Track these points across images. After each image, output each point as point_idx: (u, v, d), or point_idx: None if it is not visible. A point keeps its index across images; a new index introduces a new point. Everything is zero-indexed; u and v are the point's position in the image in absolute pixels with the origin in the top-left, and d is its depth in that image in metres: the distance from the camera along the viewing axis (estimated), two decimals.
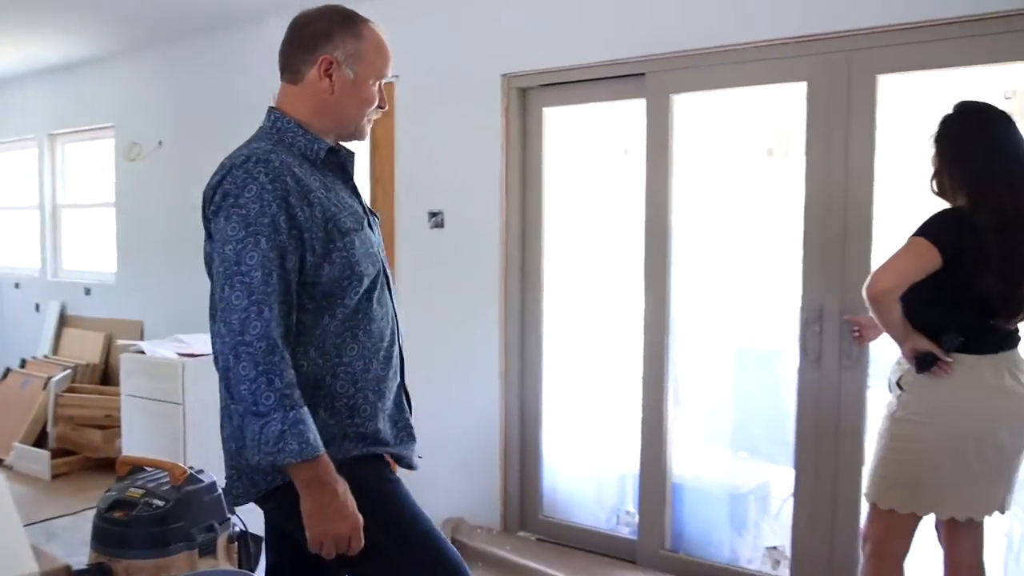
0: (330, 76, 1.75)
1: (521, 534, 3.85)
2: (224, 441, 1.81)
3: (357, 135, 1.85)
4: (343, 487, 1.63)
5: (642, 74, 3.41)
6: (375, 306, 1.80)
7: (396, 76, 4.09)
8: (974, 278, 2.22)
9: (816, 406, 3.09)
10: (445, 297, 4.00)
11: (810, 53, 3.02)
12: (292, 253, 1.62)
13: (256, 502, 1.77)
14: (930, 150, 2.38)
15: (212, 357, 1.67)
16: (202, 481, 2.62)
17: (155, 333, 4.97)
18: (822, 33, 2.96)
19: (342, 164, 1.82)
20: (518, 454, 3.89)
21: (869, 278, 2.33)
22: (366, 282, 1.76)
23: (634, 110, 3.44)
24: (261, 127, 1.77)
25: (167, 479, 2.60)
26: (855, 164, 2.95)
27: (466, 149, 3.89)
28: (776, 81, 3.17)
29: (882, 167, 2.90)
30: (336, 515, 1.62)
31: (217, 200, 1.63)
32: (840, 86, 2.97)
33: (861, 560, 2.59)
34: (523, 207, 3.81)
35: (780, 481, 3.38)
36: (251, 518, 2.74)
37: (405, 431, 1.90)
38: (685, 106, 3.36)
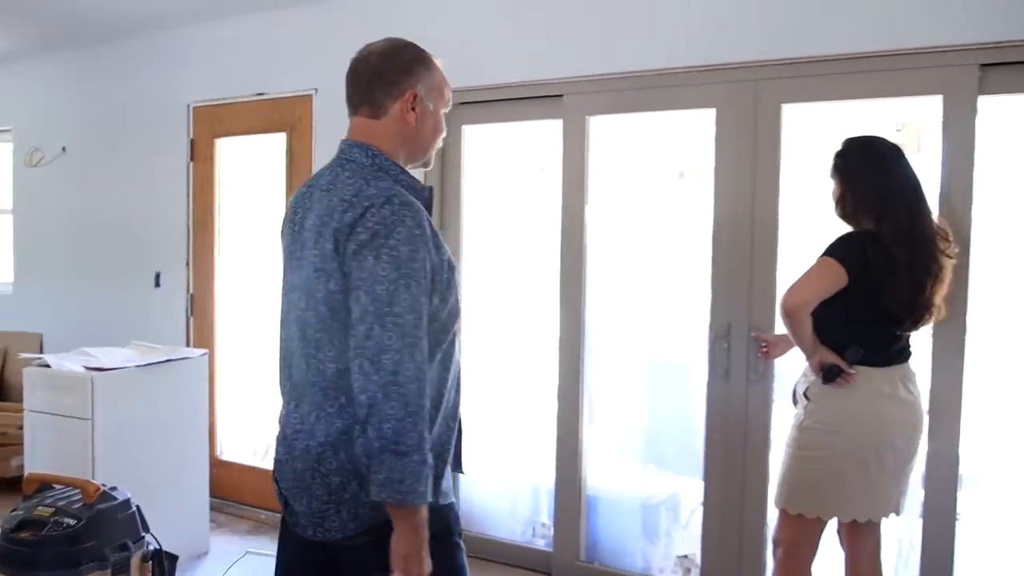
0: (414, 109, 1.77)
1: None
2: (323, 475, 1.69)
3: (428, 163, 1.89)
4: (427, 534, 1.64)
5: (560, 96, 3.51)
6: (456, 341, 1.82)
7: (315, 89, 4.09)
8: (885, 289, 2.39)
9: (724, 419, 3.23)
10: None
11: (719, 81, 3.17)
12: (428, 296, 1.66)
13: (346, 537, 1.71)
14: (830, 182, 2.57)
15: (354, 392, 1.62)
16: (116, 498, 2.56)
17: (56, 346, 4.79)
18: (731, 63, 3.12)
19: (430, 201, 1.81)
20: None
21: (784, 293, 2.49)
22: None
23: (552, 130, 3.53)
24: (357, 161, 1.73)
25: (78, 497, 2.53)
26: (761, 187, 3.11)
27: None
28: (687, 107, 3.32)
29: (787, 191, 3.06)
30: (422, 560, 1.63)
31: (363, 238, 1.61)
32: (747, 114, 3.13)
33: (772, 565, 2.71)
34: (442, 222, 3.85)
35: (689, 492, 3.51)
36: (165, 537, 2.70)
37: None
38: (601, 128, 3.47)
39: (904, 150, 2.88)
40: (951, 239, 2.53)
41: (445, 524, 1.77)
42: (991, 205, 2.85)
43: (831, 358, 2.47)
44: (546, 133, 3.61)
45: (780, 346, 2.81)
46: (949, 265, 2.50)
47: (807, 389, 2.56)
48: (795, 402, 2.64)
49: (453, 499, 1.82)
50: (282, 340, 1.83)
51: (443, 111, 1.87)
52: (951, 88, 2.80)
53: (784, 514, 2.58)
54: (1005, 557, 3.05)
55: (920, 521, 2.96)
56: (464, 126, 3.81)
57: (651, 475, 3.66)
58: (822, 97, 3.03)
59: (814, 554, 2.59)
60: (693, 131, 3.33)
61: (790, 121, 3.09)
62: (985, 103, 2.78)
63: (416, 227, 1.63)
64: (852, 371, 2.46)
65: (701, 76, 3.19)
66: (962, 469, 2.88)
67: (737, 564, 3.24)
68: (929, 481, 2.89)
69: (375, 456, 1.57)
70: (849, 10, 2.90)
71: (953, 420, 2.85)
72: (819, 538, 2.57)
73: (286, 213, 1.85)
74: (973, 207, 2.79)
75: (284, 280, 1.82)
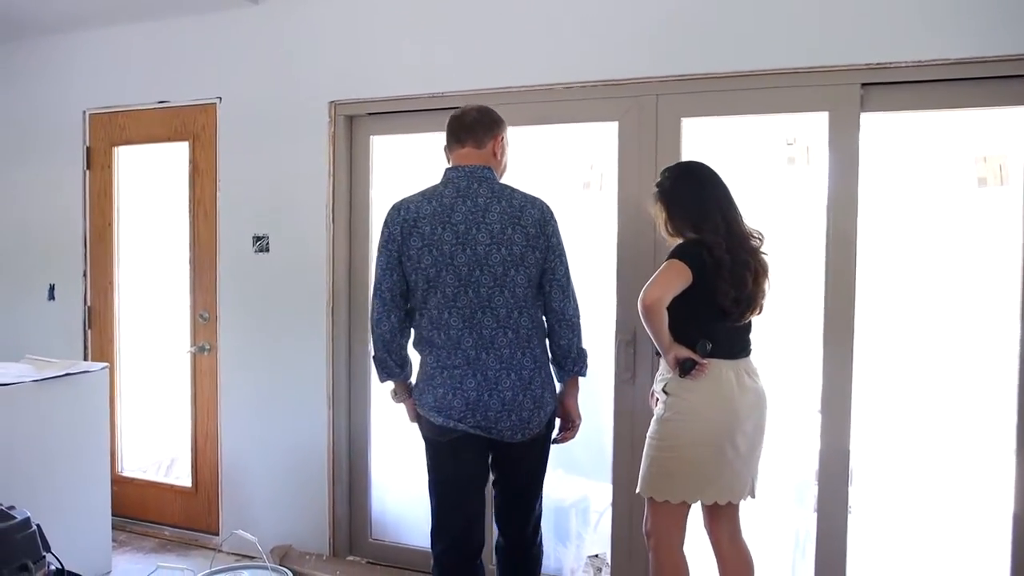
0: (500, 148, 2.70)
1: (351, 558, 3.86)
2: (531, 394, 2.57)
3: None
4: None
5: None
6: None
7: (219, 98, 4.03)
8: (716, 286, 2.62)
9: (631, 422, 3.33)
10: (271, 321, 3.96)
11: (620, 96, 3.28)
12: None
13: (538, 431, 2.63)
14: (653, 205, 2.82)
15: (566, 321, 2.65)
16: (14, 518, 2.48)
17: None
18: (631, 78, 3.23)
19: None
20: (347, 478, 3.90)
21: (642, 293, 2.65)
22: None
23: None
24: (491, 179, 2.63)
25: None
26: None
27: (292, 175, 3.88)
28: (590, 120, 3.41)
29: None
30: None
31: (552, 226, 2.62)
32: (648, 126, 3.24)
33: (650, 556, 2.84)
34: (350, 233, 3.85)
35: (599, 494, 3.60)
36: (67, 557, 2.63)
37: None
38: (509, 139, 3.52)
39: (794, 163, 3.06)
40: (762, 239, 2.76)
41: None
42: (874, 214, 3.03)
43: (685, 353, 2.66)
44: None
45: None
46: (766, 262, 2.74)
47: (665, 386, 2.75)
48: (654, 403, 2.82)
49: None
50: (457, 321, 2.54)
51: (509, 155, 2.78)
52: (835, 105, 2.98)
53: (651, 503, 2.76)
54: (893, 546, 3.23)
55: (815, 515, 3.12)
56: (372, 136, 3.83)
57: (561, 479, 3.73)
58: (719, 112, 3.16)
59: (683, 538, 2.78)
60: (597, 142, 3.43)
61: (692, 134, 3.21)
62: (867, 119, 2.96)
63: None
64: (705, 363, 2.66)
65: (603, 90, 3.30)
66: (852, 464, 3.06)
67: (645, 562, 3.33)
68: (822, 476, 3.05)
69: (575, 355, 2.67)
70: (743, 30, 3.04)
71: (843, 418, 3.02)
72: (684, 521, 2.76)
73: (412, 220, 2.57)
74: (858, 216, 2.97)
75: (452, 265, 2.51)
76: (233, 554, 3.85)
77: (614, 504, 3.41)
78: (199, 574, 2.97)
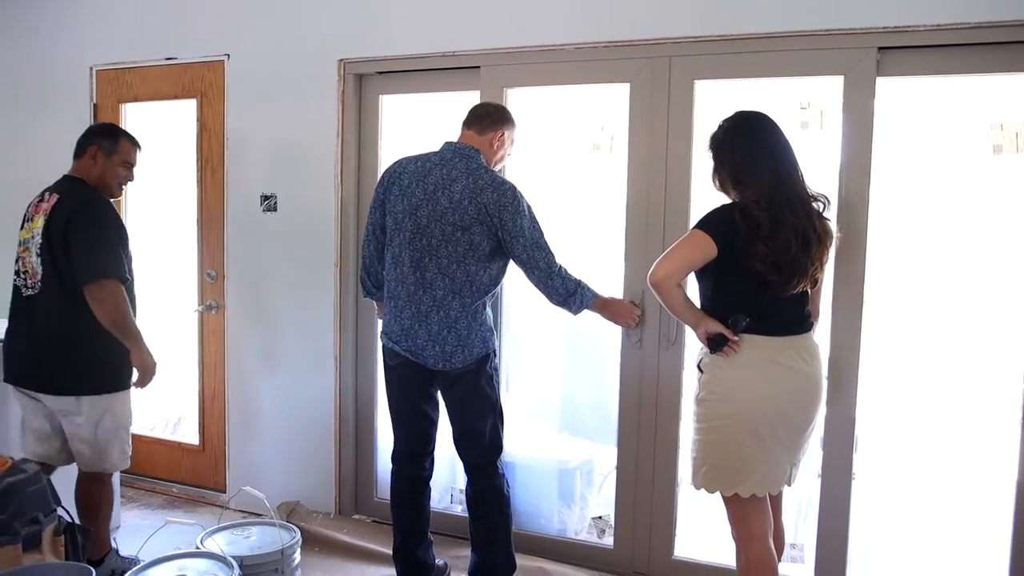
0: (499, 142, 3.09)
1: (356, 517, 3.90)
2: (456, 333, 2.98)
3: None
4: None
5: (477, 67, 3.53)
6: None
7: (227, 55, 4.00)
8: (749, 249, 2.44)
9: (638, 386, 3.34)
10: (279, 280, 3.96)
11: (633, 57, 3.24)
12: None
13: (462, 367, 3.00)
14: (708, 154, 2.64)
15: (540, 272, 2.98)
16: (25, 471, 2.50)
17: None
18: (644, 39, 3.19)
19: None
20: (353, 437, 3.92)
21: (652, 267, 2.54)
22: None
23: (473, 101, 3.54)
24: (473, 158, 2.99)
25: None
26: (674, 161, 3.21)
27: (300, 133, 3.86)
28: (602, 81, 3.37)
29: (699, 165, 3.16)
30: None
31: (509, 211, 2.91)
32: (661, 89, 3.21)
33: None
34: (359, 193, 3.84)
35: (603, 457, 3.61)
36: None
37: None
38: (519, 100, 3.50)
39: (807, 127, 3.01)
40: (826, 202, 2.59)
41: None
42: (888, 181, 3.01)
43: (716, 327, 2.52)
44: (468, 105, 3.60)
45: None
46: (828, 229, 2.55)
47: (700, 361, 2.61)
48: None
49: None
50: (408, 260, 2.99)
51: (508, 153, 3.18)
52: (851, 69, 2.94)
53: (723, 498, 2.58)
54: (895, 513, 3.25)
55: (819, 480, 3.13)
56: (382, 96, 3.80)
57: (566, 442, 3.75)
58: (732, 75, 3.13)
59: (767, 527, 2.57)
60: (608, 104, 3.40)
61: (705, 97, 3.18)
62: (883, 84, 2.93)
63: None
64: (736, 339, 2.50)
65: (615, 51, 3.26)
66: (857, 431, 3.07)
67: (649, 524, 3.37)
68: (827, 443, 3.06)
69: (563, 295, 3.03)
70: None
71: (850, 384, 3.02)
72: (761, 506, 2.55)
73: (398, 173, 3.07)
74: (871, 182, 2.95)
75: (414, 215, 2.96)
76: (240, 511, 3.88)
77: (619, 467, 3.43)
78: (208, 529, 3.00)
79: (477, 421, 3.07)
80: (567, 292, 3.00)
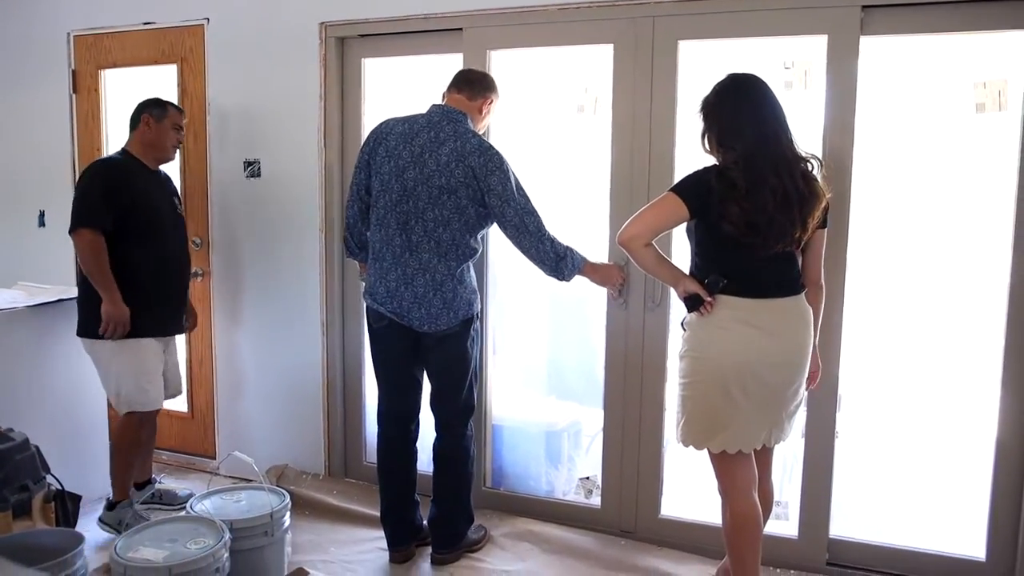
0: (487, 108, 3.12)
1: (347, 479, 3.93)
2: (441, 295, 3.00)
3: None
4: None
5: (459, 29, 3.49)
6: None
7: (206, 19, 3.95)
8: (722, 210, 2.45)
9: (624, 347, 3.36)
10: (264, 246, 3.95)
11: (617, 17, 3.22)
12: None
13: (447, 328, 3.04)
14: (698, 116, 2.63)
15: (525, 232, 2.97)
16: (13, 439, 2.50)
17: None
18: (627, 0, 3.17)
19: None
20: (341, 401, 3.94)
21: (623, 226, 2.58)
22: None
23: (456, 64, 3.51)
24: (461, 122, 3.00)
25: None
26: (658, 122, 3.20)
27: (283, 98, 3.83)
28: (585, 42, 3.35)
29: (683, 126, 3.15)
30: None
31: (497, 175, 2.92)
32: (644, 49, 3.19)
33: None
34: (343, 157, 3.81)
35: (590, 419, 3.64)
36: (65, 479, 2.66)
37: None
38: (502, 62, 3.48)
39: (791, 87, 2.99)
40: (815, 162, 2.56)
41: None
42: (872, 141, 3.01)
43: (693, 287, 2.57)
44: (451, 67, 3.57)
45: None
46: (819, 190, 2.52)
47: (684, 319, 2.67)
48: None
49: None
50: (394, 222, 3.00)
51: (491, 117, 3.20)
52: (834, 28, 2.93)
53: (709, 453, 2.63)
54: (878, 471, 3.30)
55: (802, 440, 3.17)
56: (364, 59, 3.76)
57: (553, 405, 3.78)
58: (716, 34, 3.11)
59: (747, 480, 2.61)
60: (592, 66, 3.37)
61: (689, 58, 3.16)
62: (867, 43, 2.92)
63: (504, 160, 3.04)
64: (711, 299, 2.54)
65: (599, 11, 3.24)
66: (840, 390, 3.10)
67: (636, 483, 3.41)
68: (810, 402, 3.09)
69: (542, 256, 3.01)
70: None
71: (834, 344, 3.05)
72: (744, 462, 2.59)
73: (384, 134, 3.06)
74: (855, 143, 2.95)
75: (401, 177, 2.97)
76: (230, 476, 3.90)
77: (606, 428, 3.46)
78: (197, 495, 3.02)
79: (455, 381, 3.13)
80: (557, 257, 2.99)
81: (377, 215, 3.06)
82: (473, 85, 3.09)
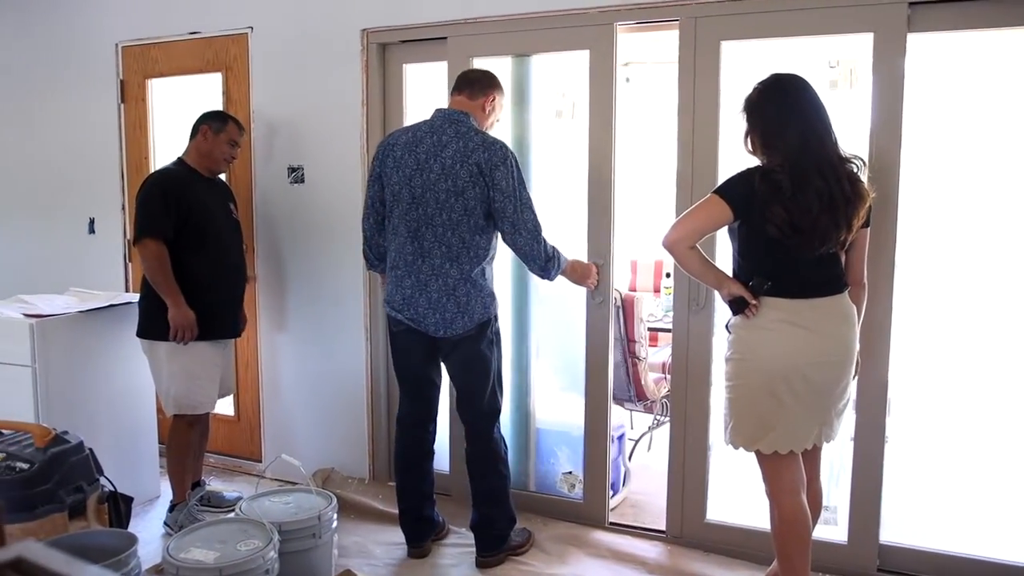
0: (491, 106, 3.12)
1: (391, 483, 3.94)
2: (455, 300, 3.01)
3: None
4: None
5: (444, 38, 3.60)
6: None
7: (250, 28, 4.00)
8: (766, 212, 2.43)
9: (604, 345, 3.42)
10: (308, 251, 3.99)
11: (593, 23, 3.29)
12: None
13: (463, 332, 3.06)
14: (741, 116, 2.60)
15: (524, 239, 2.98)
16: (68, 442, 2.55)
17: None
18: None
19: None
20: (384, 405, 3.96)
21: (667, 230, 2.56)
22: None
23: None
24: (463, 122, 3.01)
25: (30, 441, 2.52)
26: (701, 123, 3.18)
27: (326, 104, 3.87)
28: (562, 49, 3.43)
29: (726, 127, 3.13)
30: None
31: (502, 170, 2.92)
32: (687, 50, 3.17)
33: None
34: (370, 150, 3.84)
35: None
36: (116, 481, 2.71)
37: None
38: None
39: (837, 86, 2.95)
40: (861, 164, 2.54)
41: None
42: (919, 139, 2.96)
43: (737, 289, 2.55)
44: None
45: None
46: (864, 192, 2.50)
47: (728, 322, 2.64)
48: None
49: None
50: (405, 230, 3.03)
51: (496, 118, 3.18)
52: (881, 26, 2.89)
53: (756, 454, 2.61)
54: (928, 476, 3.24)
55: (851, 444, 3.12)
56: (405, 64, 3.79)
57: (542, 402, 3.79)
58: (759, 34, 3.08)
59: (795, 481, 2.59)
60: (571, 71, 3.46)
61: (731, 58, 3.14)
62: (914, 41, 2.87)
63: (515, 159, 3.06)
64: (755, 302, 2.53)
65: (574, 18, 3.33)
66: (890, 394, 3.05)
67: (681, 487, 3.38)
68: (860, 406, 3.04)
69: (541, 264, 3.04)
70: None
71: (883, 348, 3.00)
72: (792, 464, 2.57)
73: (391, 146, 3.08)
74: (902, 142, 2.90)
75: (409, 185, 3.00)
76: (276, 479, 3.95)
77: (586, 424, 3.53)
78: (247, 497, 3.05)
79: (476, 384, 3.14)
80: (547, 256, 3.03)
81: (391, 225, 3.10)
82: (473, 84, 3.11)
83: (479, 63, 3.49)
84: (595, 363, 3.50)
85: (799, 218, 2.41)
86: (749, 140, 2.58)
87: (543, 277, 3.10)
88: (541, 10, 3.36)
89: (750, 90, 2.59)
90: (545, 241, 3.02)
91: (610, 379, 3.51)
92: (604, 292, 3.41)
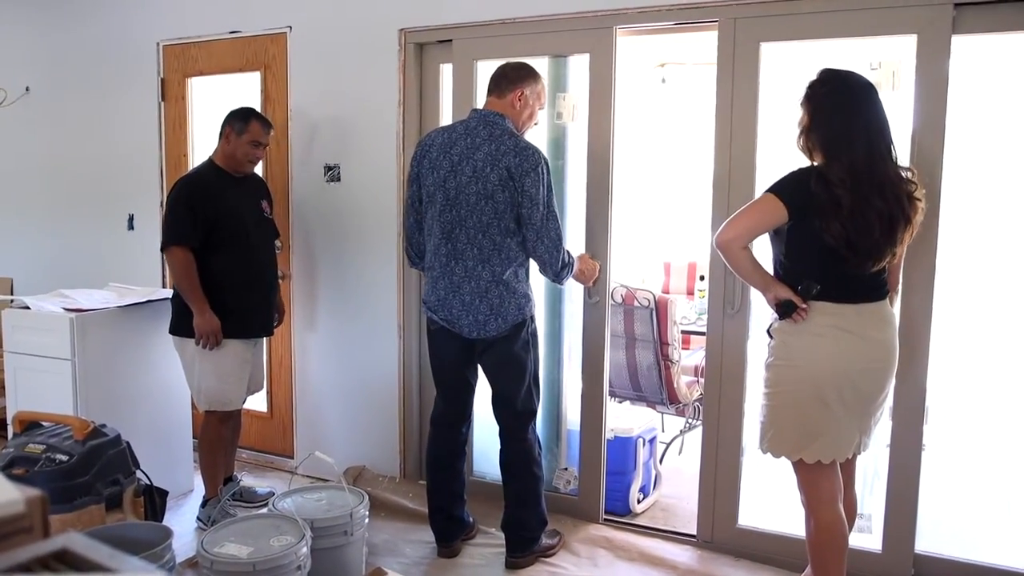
0: (521, 100, 3.05)
1: (421, 482, 3.95)
2: (487, 302, 3.01)
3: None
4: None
5: (449, 41, 3.65)
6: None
7: (289, 27, 4.04)
8: (823, 226, 2.37)
9: (599, 343, 3.45)
10: (343, 250, 4.02)
11: (591, 27, 3.30)
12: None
13: (496, 334, 3.06)
14: (798, 112, 2.52)
15: (546, 252, 2.99)
16: (107, 435, 2.59)
17: (28, 291, 4.76)
18: (708, 1, 3.13)
19: None
20: (417, 404, 3.98)
21: (719, 229, 2.51)
22: None
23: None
24: (497, 124, 2.99)
25: (69, 434, 2.56)
26: (739, 125, 3.15)
27: (363, 104, 3.89)
28: (561, 53, 3.46)
29: (765, 129, 3.11)
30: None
31: (532, 176, 2.90)
32: (726, 51, 3.14)
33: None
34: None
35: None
36: (151, 475, 2.74)
37: None
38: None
39: (879, 89, 2.91)
40: (917, 182, 2.49)
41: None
42: (962, 143, 2.91)
43: (785, 293, 2.48)
44: None
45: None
46: (919, 209, 2.46)
47: (770, 326, 2.58)
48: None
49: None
50: (439, 231, 3.03)
51: (538, 108, 3.12)
52: (925, 27, 2.85)
53: (794, 463, 2.56)
54: (965, 485, 3.18)
55: (887, 451, 3.07)
56: (442, 64, 3.79)
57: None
58: (799, 36, 3.05)
59: (836, 491, 2.55)
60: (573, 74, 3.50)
61: (771, 60, 3.11)
62: (959, 43, 2.82)
63: (546, 164, 3.02)
64: (805, 306, 2.46)
65: (571, 22, 3.37)
66: (928, 402, 3.00)
67: (713, 492, 3.35)
68: (897, 413, 3.00)
69: (556, 270, 3.05)
70: None
71: (922, 355, 2.95)
72: (830, 472, 2.53)
73: (428, 147, 3.09)
74: (945, 145, 2.86)
75: (443, 187, 3.00)
76: (308, 476, 3.97)
77: (582, 420, 3.55)
78: (279, 493, 3.08)
79: (511, 386, 3.13)
80: (563, 264, 3.05)
81: (427, 225, 3.11)
82: (500, 82, 3.07)
83: (482, 65, 3.51)
84: (591, 361, 3.52)
85: (857, 238, 2.36)
86: (806, 139, 2.49)
87: (554, 282, 3.16)
88: (543, 14, 3.40)
89: (813, 80, 2.49)
90: (566, 251, 3.04)
91: (606, 377, 3.53)
92: (601, 291, 3.44)
